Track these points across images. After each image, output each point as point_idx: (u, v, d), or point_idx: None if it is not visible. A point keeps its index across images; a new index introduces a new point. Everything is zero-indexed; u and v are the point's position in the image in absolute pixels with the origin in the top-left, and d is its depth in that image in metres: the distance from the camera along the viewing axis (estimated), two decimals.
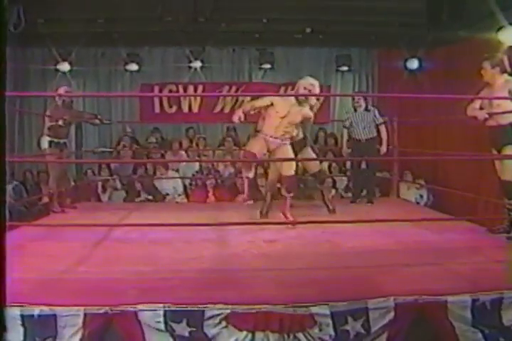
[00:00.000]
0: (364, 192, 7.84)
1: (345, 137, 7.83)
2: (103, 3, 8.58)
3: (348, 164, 9.70)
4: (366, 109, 7.64)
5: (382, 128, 7.60)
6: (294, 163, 5.90)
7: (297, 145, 6.31)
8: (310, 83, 5.82)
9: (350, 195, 9.18)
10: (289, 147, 5.90)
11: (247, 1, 8.94)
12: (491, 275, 3.70)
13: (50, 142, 6.78)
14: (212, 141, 10.51)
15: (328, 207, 6.58)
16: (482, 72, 5.21)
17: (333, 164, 9.62)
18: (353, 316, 3.25)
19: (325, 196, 6.66)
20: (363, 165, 8.04)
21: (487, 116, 5.08)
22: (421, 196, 9.12)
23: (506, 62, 5.16)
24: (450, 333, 3.36)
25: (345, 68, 10.81)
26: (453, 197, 8.03)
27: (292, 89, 10.66)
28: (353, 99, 7.95)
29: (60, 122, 6.75)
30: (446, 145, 8.22)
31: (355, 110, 7.72)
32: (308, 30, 9.65)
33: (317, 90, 5.85)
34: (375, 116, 7.59)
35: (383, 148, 7.52)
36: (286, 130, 5.82)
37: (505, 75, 5.11)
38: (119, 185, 9.25)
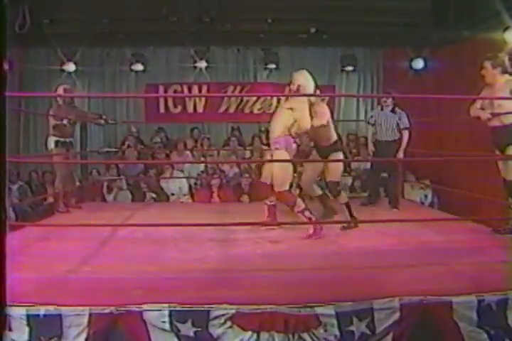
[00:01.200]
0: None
1: (371, 134, 7.64)
2: (108, 3, 8.60)
3: (354, 164, 9.70)
4: (393, 111, 7.38)
5: (405, 133, 7.30)
6: (284, 177, 5.18)
7: (327, 150, 5.83)
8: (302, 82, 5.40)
9: (353, 194, 9.18)
10: (278, 155, 5.20)
11: (251, 1, 8.94)
12: (496, 276, 3.69)
13: (57, 142, 6.80)
14: (216, 140, 10.52)
15: (354, 220, 5.60)
16: (483, 72, 5.19)
17: None
18: (358, 316, 3.25)
19: (351, 210, 5.73)
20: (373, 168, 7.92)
21: (490, 116, 5.07)
22: (425, 196, 9.09)
23: (507, 63, 5.14)
24: (455, 334, 3.36)
25: (350, 68, 10.81)
26: (458, 197, 8.00)
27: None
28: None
29: (65, 121, 6.77)
30: (450, 146, 8.21)
31: (382, 109, 7.51)
32: (312, 30, 9.64)
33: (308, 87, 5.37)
34: (399, 119, 7.31)
35: (400, 154, 7.26)
36: (273, 131, 5.36)
37: (506, 75, 5.09)
38: (124, 185, 9.26)
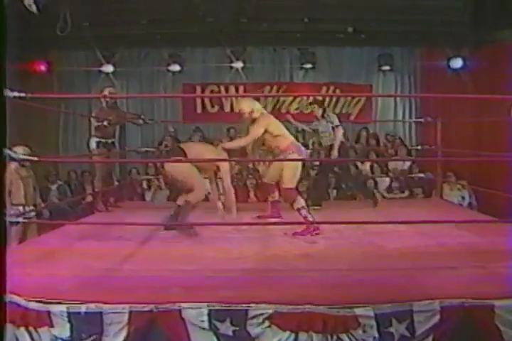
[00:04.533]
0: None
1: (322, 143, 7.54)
2: (145, 5, 8.69)
3: (391, 165, 9.65)
4: (323, 116, 7.28)
5: (337, 131, 7.16)
6: (294, 175, 5.58)
7: None
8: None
9: (391, 195, 9.12)
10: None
11: (288, 1, 8.94)
12: None
13: (98, 142, 6.91)
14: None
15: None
16: None
17: (375, 165, 9.57)
18: (398, 318, 3.22)
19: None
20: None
21: None
22: (463, 197, 8.97)
23: None
24: (497, 338, 3.29)
25: (387, 67, 10.73)
26: (497, 198, 7.86)
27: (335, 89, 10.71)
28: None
29: (105, 122, 6.87)
30: (490, 146, 8.07)
31: (317, 118, 7.39)
32: (350, 29, 9.62)
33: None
34: (327, 122, 7.20)
35: (334, 152, 7.12)
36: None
37: None
38: (163, 185, 9.35)
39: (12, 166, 6.49)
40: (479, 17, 8.67)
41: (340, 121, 7.31)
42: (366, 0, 8.82)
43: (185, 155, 5.26)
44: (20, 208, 6.52)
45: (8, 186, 6.81)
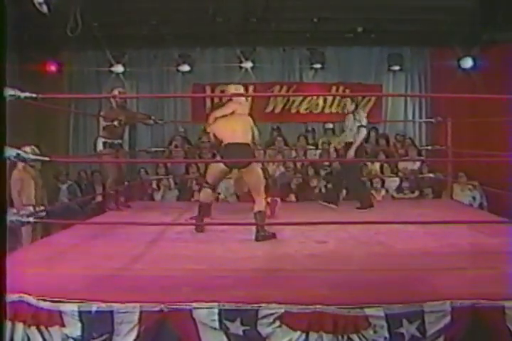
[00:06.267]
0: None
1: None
2: (155, 5, 8.71)
3: (401, 165, 9.63)
4: (353, 112, 7.20)
5: (360, 131, 7.07)
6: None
7: None
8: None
9: (401, 195, 9.11)
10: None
11: (297, 1, 8.93)
12: None
13: (105, 143, 6.92)
14: (261, 140, 10.52)
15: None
16: None
17: (385, 165, 9.55)
18: (409, 319, 3.20)
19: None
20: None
21: None
22: (473, 198, 8.94)
23: None
24: (507, 339, 3.28)
25: (396, 67, 10.72)
26: (508, 199, 7.82)
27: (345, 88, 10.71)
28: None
29: (115, 123, 6.88)
30: (501, 146, 8.03)
31: (347, 112, 7.34)
32: (359, 29, 9.60)
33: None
34: (355, 118, 7.11)
35: (350, 152, 7.02)
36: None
37: None
38: (172, 185, 9.38)
39: (19, 166, 6.48)
40: (489, 17, 8.63)
41: (368, 122, 7.31)
42: (376, 0, 8.80)
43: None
44: (31, 208, 6.52)
45: (20, 185, 6.84)
